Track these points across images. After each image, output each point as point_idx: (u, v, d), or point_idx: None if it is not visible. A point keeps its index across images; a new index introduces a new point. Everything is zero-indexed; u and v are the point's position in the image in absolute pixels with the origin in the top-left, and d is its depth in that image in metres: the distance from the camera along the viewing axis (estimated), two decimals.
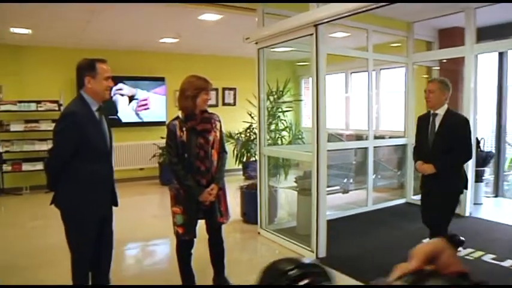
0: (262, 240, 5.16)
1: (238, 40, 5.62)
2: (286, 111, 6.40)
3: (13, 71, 8.16)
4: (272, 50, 5.38)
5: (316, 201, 4.37)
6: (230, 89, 10.15)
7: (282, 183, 5.79)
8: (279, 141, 5.88)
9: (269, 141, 5.51)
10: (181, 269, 3.50)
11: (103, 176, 3.04)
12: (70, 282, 3.10)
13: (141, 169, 9.34)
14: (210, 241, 3.60)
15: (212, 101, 8.98)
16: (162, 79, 9.29)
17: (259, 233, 5.30)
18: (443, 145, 3.76)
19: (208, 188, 3.32)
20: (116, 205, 3.23)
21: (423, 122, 4.00)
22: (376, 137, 6.80)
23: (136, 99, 9.12)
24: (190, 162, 3.26)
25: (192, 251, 3.50)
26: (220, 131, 3.47)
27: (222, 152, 3.49)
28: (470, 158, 3.89)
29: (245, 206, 5.83)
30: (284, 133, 6.28)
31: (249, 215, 5.64)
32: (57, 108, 8.17)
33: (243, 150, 6.59)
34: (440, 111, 3.81)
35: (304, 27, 4.36)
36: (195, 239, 3.43)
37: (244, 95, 7.43)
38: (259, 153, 5.29)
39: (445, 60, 6.78)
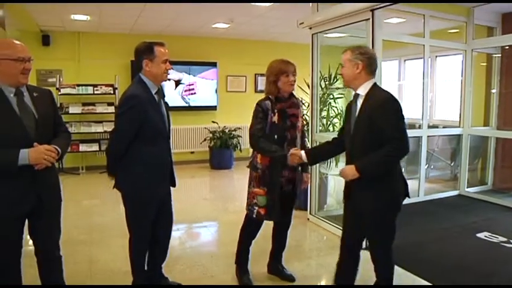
0: (311, 227, 5.16)
1: (291, 25, 5.60)
2: (338, 98, 6.32)
3: (72, 56, 8.52)
4: (325, 35, 5.31)
5: None
6: None
7: (333, 171, 5.74)
8: (330, 128, 5.83)
9: (320, 128, 5.47)
10: (242, 249, 3.57)
11: (163, 157, 3.11)
12: (122, 259, 3.21)
13: (192, 152, 9.52)
14: (283, 225, 3.63)
15: (263, 87, 9.01)
16: (214, 64, 9.41)
17: (308, 219, 5.30)
18: (363, 138, 2.76)
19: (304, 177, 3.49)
20: (174, 186, 3.30)
21: (348, 109, 3.02)
22: (429, 126, 6.62)
23: (183, 83, 9.26)
24: (279, 145, 3.24)
25: None
26: (302, 117, 3.52)
27: (304, 137, 3.52)
28: (405, 151, 2.68)
29: None
30: (335, 120, 6.20)
31: (299, 200, 5.64)
32: (112, 92, 8.46)
33: None
34: (362, 91, 2.78)
35: (360, 12, 4.28)
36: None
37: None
38: (311, 139, 5.26)
39: (507, 47, 6.47)
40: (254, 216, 3.34)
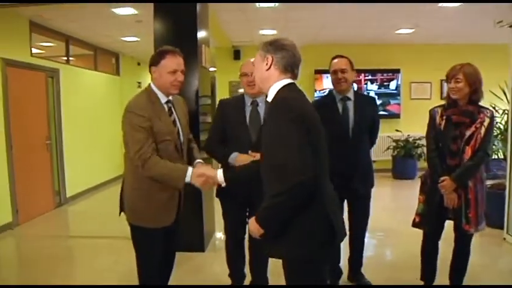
0: (507, 247, 4.61)
1: (481, 26, 5.11)
2: None
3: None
4: None
5: None
6: None
7: None
8: None
9: None
10: (421, 263, 3.37)
11: None
12: None
13: (374, 161, 9.35)
14: (453, 249, 3.27)
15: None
16: (397, 71, 9.18)
17: (504, 238, 4.75)
18: (264, 166, 2.11)
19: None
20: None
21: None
22: None
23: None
24: (442, 153, 3.06)
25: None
26: (488, 128, 2.98)
27: (480, 151, 2.97)
28: (292, 195, 1.89)
29: (488, 207, 5.30)
30: None
31: (492, 217, 5.10)
32: None
33: None
34: (270, 96, 2.11)
35: None
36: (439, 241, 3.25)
37: (487, 85, 6.75)
38: (510, 150, 4.72)
39: None
40: (411, 223, 3.26)
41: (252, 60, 2.91)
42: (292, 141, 1.88)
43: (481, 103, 3.06)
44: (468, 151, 2.99)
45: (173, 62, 2.58)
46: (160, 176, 2.51)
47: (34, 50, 6.47)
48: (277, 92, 2.05)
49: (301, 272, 2.04)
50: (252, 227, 2.04)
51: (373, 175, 3.55)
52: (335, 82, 3.32)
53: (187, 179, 2.51)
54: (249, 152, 2.86)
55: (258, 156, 2.36)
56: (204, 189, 2.60)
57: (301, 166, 1.86)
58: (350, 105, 3.34)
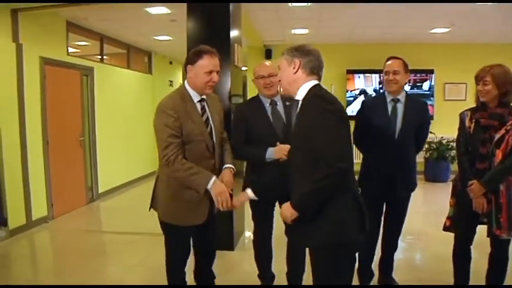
0: None
1: None
2: None
3: None
4: None
5: None
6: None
7: None
8: None
9: None
10: (453, 268, 3.26)
11: None
12: None
13: None
14: (489, 254, 3.14)
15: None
16: (430, 71, 8.98)
17: None
18: (296, 158, 2.33)
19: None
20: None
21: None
22: None
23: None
24: (472, 157, 2.98)
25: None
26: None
27: (511, 155, 2.85)
28: (333, 174, 2.03)
29: None
30: None
31: None
32: None
33: None
34: (300, 96, 2.27)
35: None
36: (471, 247, 3.14)
37: None
38: None
39: None
40: (442, 227, 3.21)
41: (267, 63, 3.28)
42: (332, 130, 2.05)
43: None
44: (499, 154, 2.88)
45: (210, 63, 2.60)
46: (181, 179, 2.57)
47: (70, 49, 6.64)
48: (309, 89, 2.22)
49: (333, 259, 2.16)
50: (286, 211, 2.21)
51: (416, 179, 3.47)
52: (386, 83, 3.32)
53: (209, 186, 2.56)
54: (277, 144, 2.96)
55: (289, 146, 2.59)
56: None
57: (342, 154, 2.06)
58: (400, 107, 3.28)
